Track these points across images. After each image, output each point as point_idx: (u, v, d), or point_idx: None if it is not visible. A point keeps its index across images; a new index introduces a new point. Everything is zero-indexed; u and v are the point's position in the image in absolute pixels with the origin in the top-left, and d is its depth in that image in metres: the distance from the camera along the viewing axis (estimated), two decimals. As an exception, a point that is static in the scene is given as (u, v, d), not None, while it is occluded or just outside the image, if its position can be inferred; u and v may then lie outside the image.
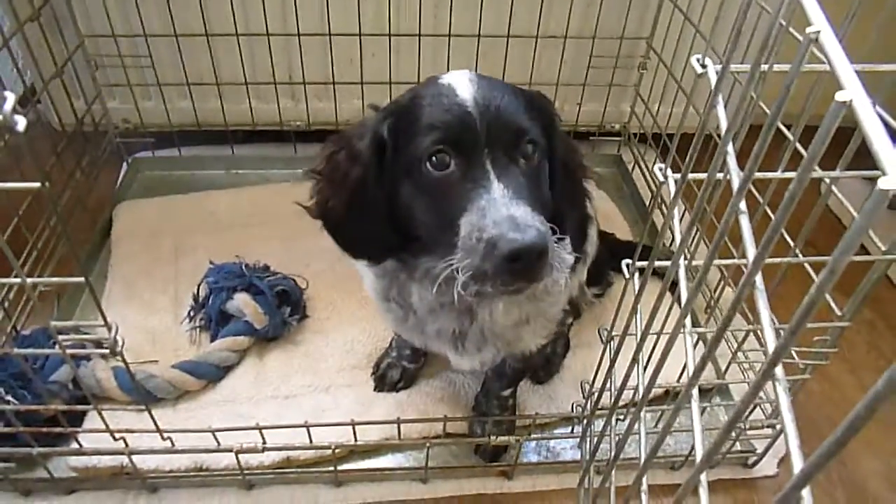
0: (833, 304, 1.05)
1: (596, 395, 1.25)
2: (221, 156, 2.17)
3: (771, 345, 0.45)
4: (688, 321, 0.77)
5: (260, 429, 1.21)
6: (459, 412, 1.45)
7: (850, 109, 0.38)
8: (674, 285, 0.83)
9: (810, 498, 0.39)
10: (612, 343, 1.17)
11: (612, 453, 0.97)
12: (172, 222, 1.89)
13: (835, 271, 0.34)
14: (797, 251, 1.10)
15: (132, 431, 1.18)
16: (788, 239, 1.15)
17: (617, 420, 1.16)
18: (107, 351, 0.94)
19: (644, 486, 0.87)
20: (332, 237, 1.03)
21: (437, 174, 0.88)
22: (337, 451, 1.29)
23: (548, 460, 1.40)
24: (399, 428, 1.30)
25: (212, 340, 1.53)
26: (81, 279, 0.86)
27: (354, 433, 1.28)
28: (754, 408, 1.31)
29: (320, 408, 1.44)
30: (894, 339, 1.73)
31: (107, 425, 1.14)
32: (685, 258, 0.83)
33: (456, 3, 1.82)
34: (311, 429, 1.23)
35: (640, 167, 2.16)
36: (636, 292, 0.98)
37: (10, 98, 0.64)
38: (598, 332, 1.21)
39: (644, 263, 0.96)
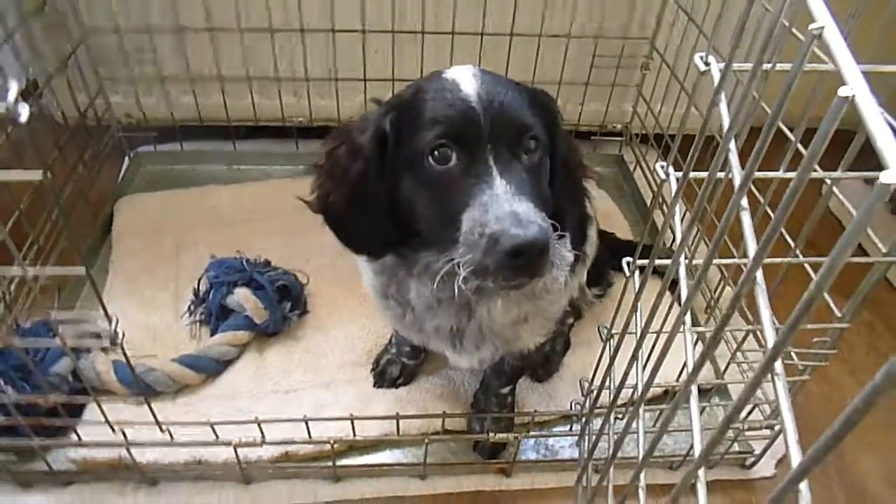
0: (833, 306, 1.05)
1: (595, 393, 1.25)
2: (223, 151, 2.17)
3: (770, 342, 0.45)
4: (687, 319, 0.77)
5: (259, 423, 1.21)
6: (458, 409, 1.45)
7: (852, 108, 0.38)
8: (674, 284, 0.83)
9: (808, 491, 0.39)
10: (611, 341, 1.17)
11: (610, 451, 0.97)
12: (174, 217, 1.89)
13: (835, 266, 0.34)
14: (797, 251, 1.10)
15: (131, 424, 1.18)
16: (789, 239, 1.15)
17: (616, 419, 1.16)
18: (107, 343, 0.94)
19: (642, 484, 0.87)
20: (333, 232, 1.03)
21: (440, 168, 0.88)
22: (336, 446, 1.30)
23: (546, 458, 1.40)
24: (398, 424, 1.30)
25: (212, 335, 1.53)
26: (82, 271, 0.86)
27: (353, 429, 1.28)
28: (753, 409, 1.31)
29: (320, 403, 1.44)
30: (894, 340, 1.73)
31: (106, 418, 1.14)
32: (685, 257, 0.83)
33: (460, 0, 1.82)
34: (310, 424, 1.23)
35: (641, 167, 2.16)
36: (636, 290, 0.98)
37: (14, 88, 0.64)
38: (598, 330, 1.21)
39: (645, 262, 0.96)
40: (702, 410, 1.19)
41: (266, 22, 1.86)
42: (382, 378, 1.49)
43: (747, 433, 1.35)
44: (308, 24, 1.87)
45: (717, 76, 0.72)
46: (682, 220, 0.90)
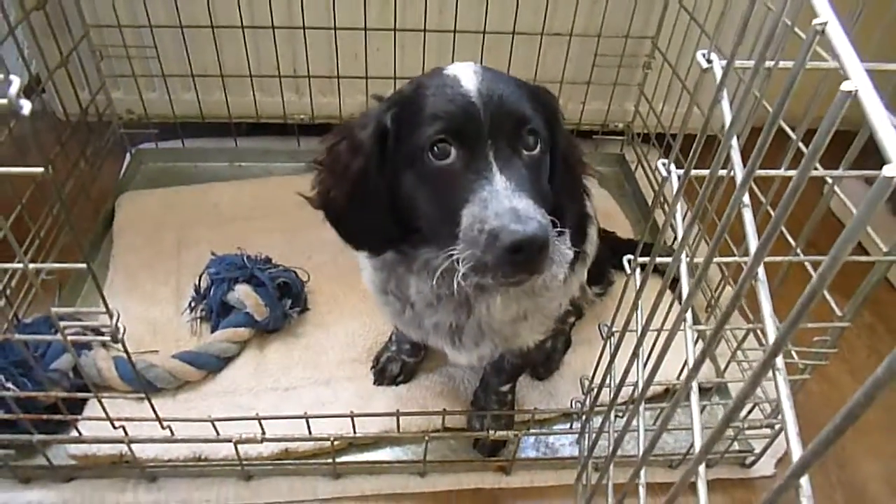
0: (833, 305, 1.05)
1: (595, 391, 1.25)
2: (225, 148, 2.17)
3: (772, 337, 0.45)
4: (688, 317, 0.77)
5: (259, 419, 1.21)
6: (458, 406, 1.45)
7: (854, 108, 0.38)
8: (675, 283, 0.83)
9: (808, 486, 0.39)
10: (612, 339, 1.17)
11: (610, 449, 0.97)
12: (175, 214, 1.90)
13: (837, 259, 0.34)
14: (798, 251, 1.10)
15: (132, 420, 1.18)
16: (790, 239, 1.15)
17: (616, 417, 1.16)
18: (108, 338, 0.94)
19: (642, 482, 0.87)
20: (334, 228, 1.03)
21: (439, 164, 0.88)
22: (336, 443, 1.30)
23: (546, 456, 1.40)
24: (398, 421, 1.30)
25: (212, 331, 1.53)
26: (83, 265, 0.86)
27: (353, 426, 1.28)
28: (753, 407, 1.31)
29: (320, 400, 1.44)
30: (894, 342, 1.73)
31: (107, 413, 1.14)
32: (686, 255, 0.83)
33: (462, -1, 1.83)
34: (310, 420, 1.23)
35: (643, 166, 2.16)
36: (637, 289, 0.98)
37: (16, 81, 0.64)
38: (599, 328, 1.21)
39: (645, 260, 0.96)
40: (702, 409, 1.19)
41: (268, 19, 1.86)
42: (382, 375, 1.49)
43: (747, 432, 1.35)
44: (310, 21, 1.87)
45: (718, 74, 0.72)
46: (683, 218, 0.90)
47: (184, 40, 1.90)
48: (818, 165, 0.94)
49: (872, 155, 0.42)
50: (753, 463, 1.40)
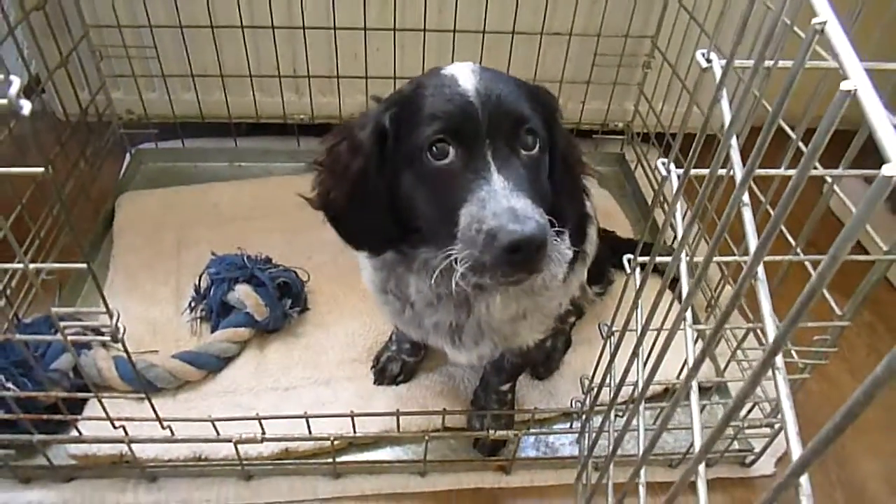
0: (833, 304, 1.05)
1: (595, 390, 1.25)
2: (224, 148, 2.17)
3: (771, 335, 0.45)
4: (688, 316, 0.77)
5: (259, 419, 1.21)
6: (459, 406, 1.45)
7: (853, 107, 0.38)
8: (674, 282, 0.83)
9: (808, 485, 0.39)
10: (612, 339, 1.17)
11: (610, 449, 0.97)
12: (175, 214, 1.90)
13: (837, 258, 0.34)
14: (798, 250, 1.10)
15: (132, 420, 1.18)
16: (790, 238, 1.15)
17: (616, 416, 1.16)
18: (108, 338, 0.94)
19: (642, 481, 0.87)
20: (334, 228, 1.03)
21: (438, 164, 0.88)
22: (336, 443, 1.30)
23: (546, 455, 1.40)
24: (398, 421, 1.30)
25: (212, 331, 1.53)
26: (83, 265, 0.86)
27: (353, 425, 1.28)
28: (753, 407, 1.31)
29: (320, 400, 1.44)
30: (894, 341, 1.73)
31: (107, 413, 1.14)
32: (686, 254, 0.83)
33: (461, -2, 1.83)
34: (310, 420, 1.23)
35: (642, 166, 2.16)
36: (637, 288, 0.98)
37: (16, 81, 0.64)
38: (599, 327, 1.21)
39: (645, 259, 0.96)
40: (702, 408, 1.19)
41: (268, 19, 1.86)
42: (382, 375, 1.49)
43: (747, 431, 1.35)
44: (310, 21, 1.87)
45: (718, 73, 0.72)
46: (683, 217, 0.90)
47: (183, 40, 1.90)
48: (818, 165, 0.94)
49: (872, 154, 0.42)
50: (753, 462, 1.40)
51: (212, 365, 1.47)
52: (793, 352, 1.11)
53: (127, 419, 1.18)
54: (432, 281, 0.95)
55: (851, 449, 1.47)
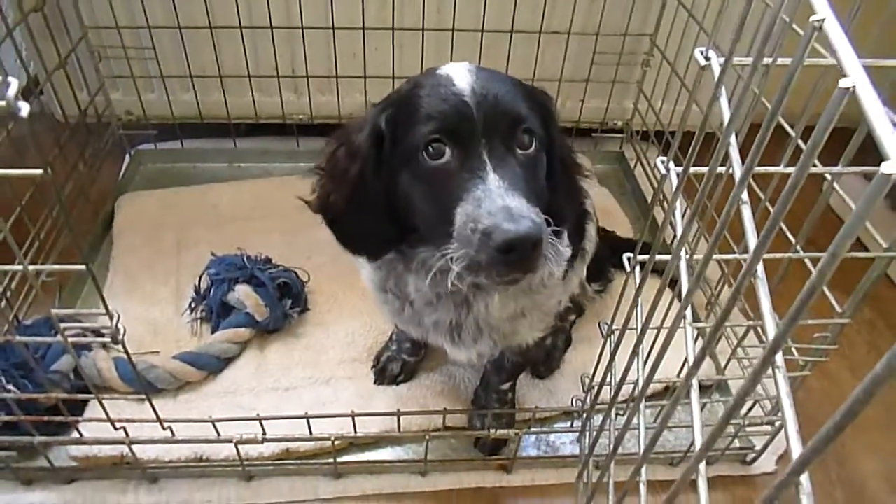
0: (834, 302, 1.05)
1: (595, 389, 1.26)
2: (224, 149, 2.17)
3: (771, 333, 0.45)
4: (688, 314, 0.77)
5: (260, 420, 1.21)
6: (459, 405, 1.45)
7: (852, 104, 0.38)
8: (674, 281, 0.83)
9: (808, 483, 0.39)
10: (612, 337, 1.17)
11: (611, 447, 0.97)
12: (174, 215, 1.90)
13: (837, 255, 0.34)
14: (798, 248, 1.10)
15: (133, 421, 1.18)
16: (790, 236, 1.15)
17: (616, 415, 1.16)
18: (108, 339, 0.94)
19: (642, 480, 0.87)
20: (332, 232, 1.04)
21: (434, 164, 0.89)
22: (337, 443, 1.30)
23: (547, 454, 1.40)
24: (398, 420, 1.30)
25: (213, 332, 1.53)
26: (83, 266, 0.86)
27: (354, 425, 1.28)
28: (753, 405, 1.31)
29: (320, 400, 1.44)
30: (894, 338, 1.73)
31: (108, 415, 1.14)
32: (686, 252, 0.83)
33: (459, -3, 1.82)
34: (310, 420, 1.23)
35: (642, 164, 2.16)
36: (637, 286, 0.98)
37: (14, 83, 0.64)
38: (599, 326, 1.21)
39: (645, 257, 0.96)
40: (702, 407, 1.19)
41: (266, 19, 1.86)
42: (383, 375, 1.49)
43: (748, 429, 1.35)
44: (308, 21, 1.87)
45: (717, 71, 0.72)
46: (682, 215, 0.90)
47: (182, 41, 1.90)
48: (817, 162, 0.94)
49: (871, 151, 0.42)
50: (754, 460, 1.40)
51: (212, 365, 1.47)
52: (793, 349, 1.11)
53: (128, 420, 1.18)
54: (428, 280, 0.95)
55: (851, 447, 1.47)
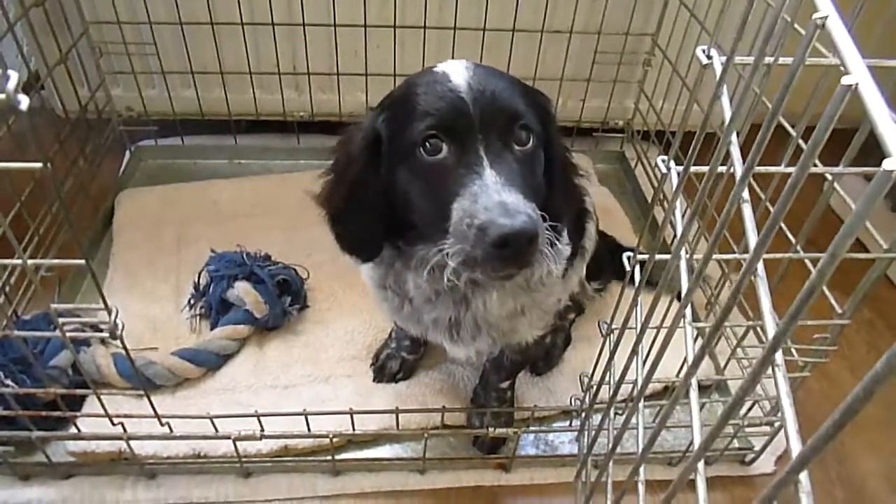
0: (833, 302, 1.05)
1: (594, 388, 1.25)
2: (224, 145, 2.17)
3: (771, 332, 0.45)
4: (688, 313, 0.77)
5: (258, 416, 1.21)
6: (458, 404, 1.45)
7: (854, 103, 0.38)
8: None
9: (808, 482, 0.39)
10: (611, 336, 1.17)
11: (610, 447, 0.97)
12: (175, 211, 1.89)
13: (837, 254, 0.34)
14: (798, 248, 1.10)
15: (131, 417, 1.18)
16: (790, 236, 1.15)
17: (615, 414, 1.16)
18: (107, 335, 0.94)
19: (641, 479, 0.87)
20: (331, 228, 1.05)
21: (431, 160, 0.89)
22: (335, 440, 1.29)
23: (545, 453, 1.40)
24: (397, 418, 1.30)
25: (212, 329, 1.53)
26: (82, 261, 0.86)
27: (353, 423, 1.28)
28: (753, 405, 1.31)
29: (319, 398, 1.44)
30: (894, 338, 1.72)
31: (106, 410, 1.14)
32: (686, 251, 0.83)
33: (461, -4, 1.82)
34: (309, 418, 1.23)
35: (642, 164, 2.16)
36: (637, 286, 0.98)
37: (14, 76, 0.64)
38: (598, 325, 1.21)
39: (645, 257, 0.96)
40: (701, 406, 1.19)
41: (268, 16, 1.86)
42: (382, 373, 1.49)
43: (747, 429, 1.35)
44: (310, 18, 1.87)
45: (718, 70, 0.72)
46: (682, 215, 0.90)
47: (183, 37, 1.90)
48: (818, 162, 0.94)
49: (873, 153, 0.42)
50: (753, 460, 1.40)
51: (211, 362, 1.47)
52: (793, 350, 1.11)
53: (126, 416, 1.18)
54: (425, 275, 0.95)
55: (851, 446, 1.47)
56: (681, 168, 0.82)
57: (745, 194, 0.57)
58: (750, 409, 1.31)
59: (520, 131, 0.91)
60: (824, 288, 0.87)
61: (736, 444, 1.37)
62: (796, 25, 0.73)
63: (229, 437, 1.22)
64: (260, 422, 1.22)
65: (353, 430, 1.29)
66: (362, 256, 1.06)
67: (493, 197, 0.81)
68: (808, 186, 0.48)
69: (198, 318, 1.59)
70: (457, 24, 1.87)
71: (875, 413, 1.49)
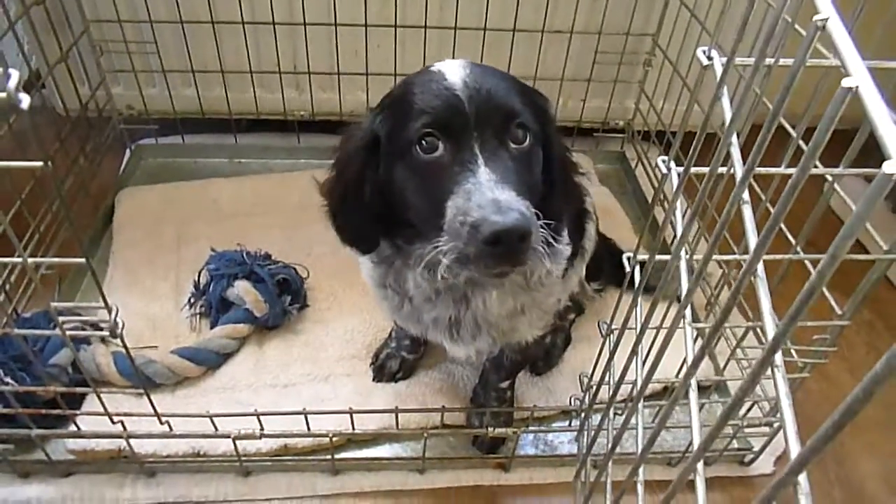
0: (833, 303, 1.05)
1: (594, 388, 1.25)
2: (225, 144, 2.17)
3: (770, 333, 0.45)
4: (688, 314, 0.77)
5: (258, 415, 1.21)
6: (458, 403, 1.45)
7: (854, 105, 0.38)
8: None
9: (807, 483, 0.39)
10: (611, 336, 1.17)
11: (609, 447, 0.97)
12: (175, 210, 1.89)
13: (837, 256, 0.34)
14: (798, 249, 1.10)
15: (131, 415, 1.18)
16: (790, 237, 1.15)
17: (615, 414, 1.16)
18: (106, 333, 0.94)
19: (640, 479, 0.87)
20: (330, 220, 1.05)
21: (427, 158, 0.89)
22: (335, 439, 1.29)
23: (545, 453, 1.40)
24: (397, 418, 1.30)
25: (212, 327, 1.53)
26: (82, 259, 0.86)
27: (352, 422, 1.28)
28: (752, 405, 1.31)
29: (319, 397, 1.44)
30: (893, 339, 1.71)
31: (105, 409, 1.14)
32: (686, 252, 0.83)
33: (462, -5, 1.82)
34: (309, 417, 1.23)
35: (643, 164, 2.16)
36: (637, 286, 0.98)
37: (15, 75, 0.64)
38: (598, 325, 1.21)
39: (645, 257, 0.96)
40: (701, 407, 1.19)
41: (269, 15, 1.86)
42: (382, 372, 1.49)
43: (746, 430, 1.35)
44: (311, 17, 1.87)
45: (719, 71, 0.72)
46: (682, 215, 0.90)
47: (184, 36, 1.90)
48: (818, 163, 0.94)
49: (873, 154, 0.42)
50: (752, 461, 1.40)
51: (211, 361, 1.47)
52: (792, 351, 1.11)
53: (125, 414, 1.18)
54: (418, 272, 0.96)
55: (850, 447, 1.47)
56: (681, 169, 0.82)
57: (746, 195, 0.57)
58: (749, 410, 1.31)
59: (516, 130, 0.91)
60: (824, 289, 0.87)
61: (735, 444, 1.37)
62: (797, 26, 0.73)
63: (229, 436, 1.22)
64: (259, 421, 1.22)
65: (353, 429, 1.29)
66: (360, 249, 1.07)
67: (487, 194, 0.82)
68: (808, 187, 0.48)
69: (198, 316, 1.59)
70: (457, 23, 1.87)
71: (874, 414, 1.49)
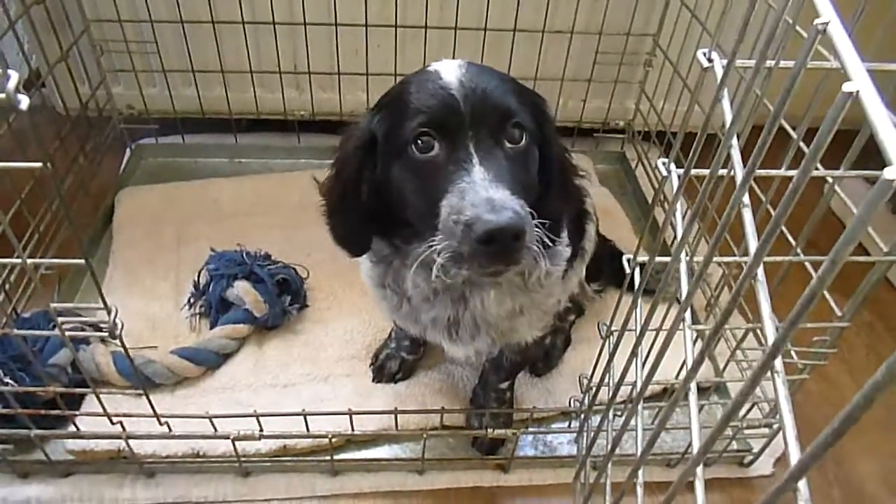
0: (833, 305, 1.05)
1: (594, 390, 1.25)
2: (225, 144, 2.17)
3: (770, 337, 0.45)
4: (687, 316, 0.77)
5: (257, 416, 1.21)
6: (457, 404, 1.45)
7: (855, 107, 0.38)
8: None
9: (806, 489, 0.39)
10: (611, 338, 1.17)
11: (609, 448, 0.97)
12: (175, 210, 1.89)
13: (838, 259, 0.34)
14: (799, 250, 1.10)
15: (130, 416, 1.18)
16: (790, 238, 1.15)
17: (614, 415, 1.16)
18: (106, 334, 0.94)
19: (640, 481, 0.87)
20: (326, 219, 1.05)
21: (422, 157, 0.89)
22: (334, 440, 1.29)
23: (544, 454, 1.40)
24: (396, 419, 1.30)
25: (211, 328, 1.53)
26: (82, 260, 0.86)
27: (352, 423, 1.28)
28: (752, 407, 1.31)
29: (318, 397, 1.44)
30: (893, 341, 1.73)
31: (105, 409, 1.14)
32: (686, 254, 0.83)
33: (463, -5, 1.82)
34: (308, 417, 1.23)
35: (643, 164, 2.15)
36: (637, 288, 0.98)
37: (14, 76, 0.64)
38: (598, 326, 1.21)
39: (645, 258, 0.96)
40: (700, 409, 1.19)
41: (269, 15, 1.86)
42: (381, 373, 1.49)
43: (746, 431, 1.35)
44: (311, 17, 1.86)
45: (719, 73, 0.72)
46: (683, 217, 0.89)
47: (184, 35, 1.90)
48: (819, 165, 0.94)
49: (874, 154, 0.42)
50: (752, 462, 1.40)
51: (210, 361, 1.47)
52: (792, 352, 1.11)
53: (125, 415, 1.18)
54: (412, 270, 0.95)
55: (850, 448, 1.47)
56: (681, 170, 0.82)
57: (746, 198, 0.57)
58: (749, 411, 1.31)
59: (512, 129, 0.91)
60: (824, 291, 0.87)
61: (735, 445, 1.37)
62: (798, 27, 0.73)
63: (228, 437, 1.22)
64: (259, 421, 1.22)
65: (352, 430, 1.29)
66: (349, 250, 1.07)
67: (481, 193, 0.82)
68: (809, 189, 0.48)
69: (197, 316, 1.59)
70: (458, 23, 1.87)
71: (874, 415, 1.47)
